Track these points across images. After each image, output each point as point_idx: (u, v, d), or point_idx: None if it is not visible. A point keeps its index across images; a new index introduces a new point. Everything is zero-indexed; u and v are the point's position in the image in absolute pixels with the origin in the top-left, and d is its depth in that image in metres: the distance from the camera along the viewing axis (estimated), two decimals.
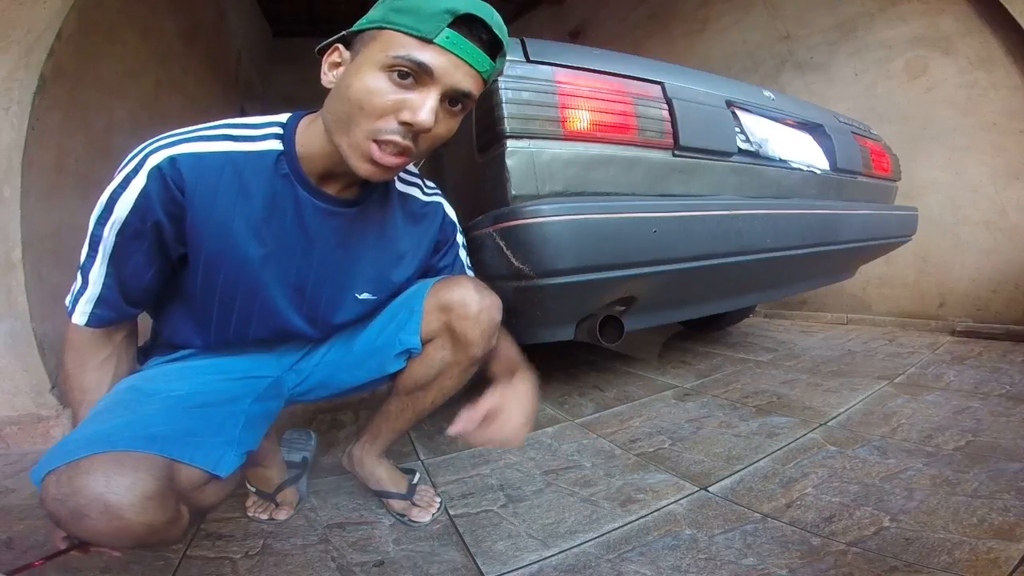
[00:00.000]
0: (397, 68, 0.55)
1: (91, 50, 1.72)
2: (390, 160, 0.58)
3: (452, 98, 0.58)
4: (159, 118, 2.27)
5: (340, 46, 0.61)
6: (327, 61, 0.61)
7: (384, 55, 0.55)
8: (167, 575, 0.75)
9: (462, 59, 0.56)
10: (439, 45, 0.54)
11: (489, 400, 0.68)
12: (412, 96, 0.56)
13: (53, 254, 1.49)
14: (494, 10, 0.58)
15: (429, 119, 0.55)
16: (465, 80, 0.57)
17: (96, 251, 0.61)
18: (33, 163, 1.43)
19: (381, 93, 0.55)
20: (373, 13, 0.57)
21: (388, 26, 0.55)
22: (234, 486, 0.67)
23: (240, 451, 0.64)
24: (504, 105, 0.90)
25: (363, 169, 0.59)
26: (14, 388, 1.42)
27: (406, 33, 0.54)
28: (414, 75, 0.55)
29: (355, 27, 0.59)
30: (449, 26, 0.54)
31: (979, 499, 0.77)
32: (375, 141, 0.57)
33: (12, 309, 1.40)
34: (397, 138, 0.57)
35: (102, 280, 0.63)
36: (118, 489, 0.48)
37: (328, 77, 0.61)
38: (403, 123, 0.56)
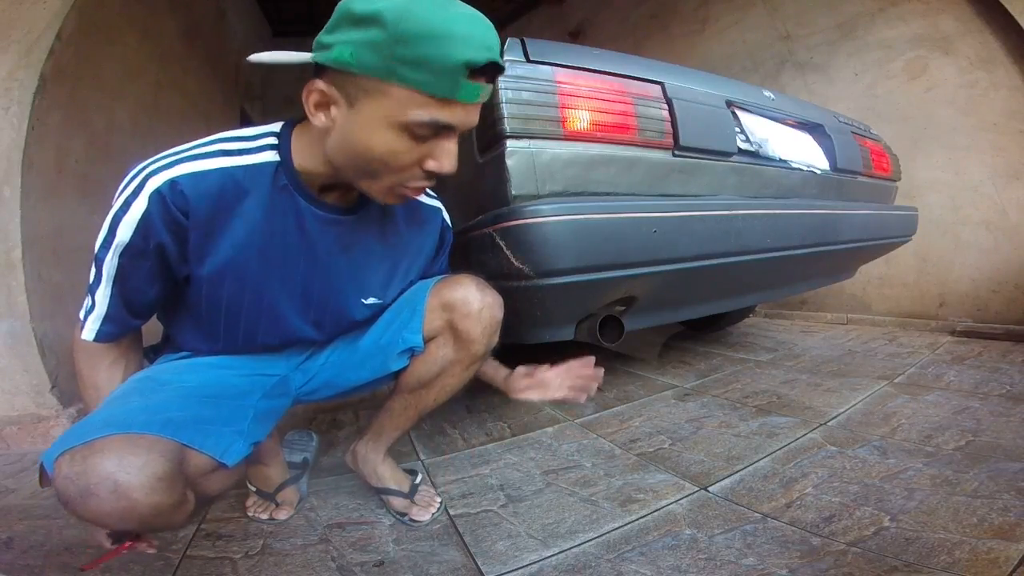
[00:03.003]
0: (420, 129, 0.55)
1: (91, 50, 1.72)
2: (414, 194, 0.63)
3: None
4: (159, 118, 2.27)
5: (322, 85, 0.55)
6: (309, 102, 0.56)
7: (404, 115, 0.53)
8: (167, 575, 0.75)
9: (477, 103, 0.57)
10: (460, 101, 0.54)
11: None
12: (433, 146, 0.57)
13: (53, 254, 1.49)
14: (496, 36, 0.55)
15: (454, 166, 0.58)
16: (476, 115, 0.58)
17: (101, 273, 0.62)
18: (33, 163, 1.43)
19: (407, 152, 0.57)
20: (366, 57, 0.50)
21: (399, 83, 0.51)
22: (238, 477, 0.68)
23: (248, 442, 0.64)
24: (504, 105, 0.90)
25: (391, 201, 0.64)
26: (14, 388, 1.42)
27: (423, 93, 0.52)
28: (434, 129, 0.56)
29: (337, 62, 0.52)
30: (466, 78, 0.52)
31: (979, 499, 0.77)
32: (404, 187, 0.61)
33: (12, 309, 1.40)
34: (423, 183, 0.61)
35: (107, 300, 0.64)
36: (130, 469, 0.49)
37: (320, 119, 0.57)
38: (428, 171, 0.59)
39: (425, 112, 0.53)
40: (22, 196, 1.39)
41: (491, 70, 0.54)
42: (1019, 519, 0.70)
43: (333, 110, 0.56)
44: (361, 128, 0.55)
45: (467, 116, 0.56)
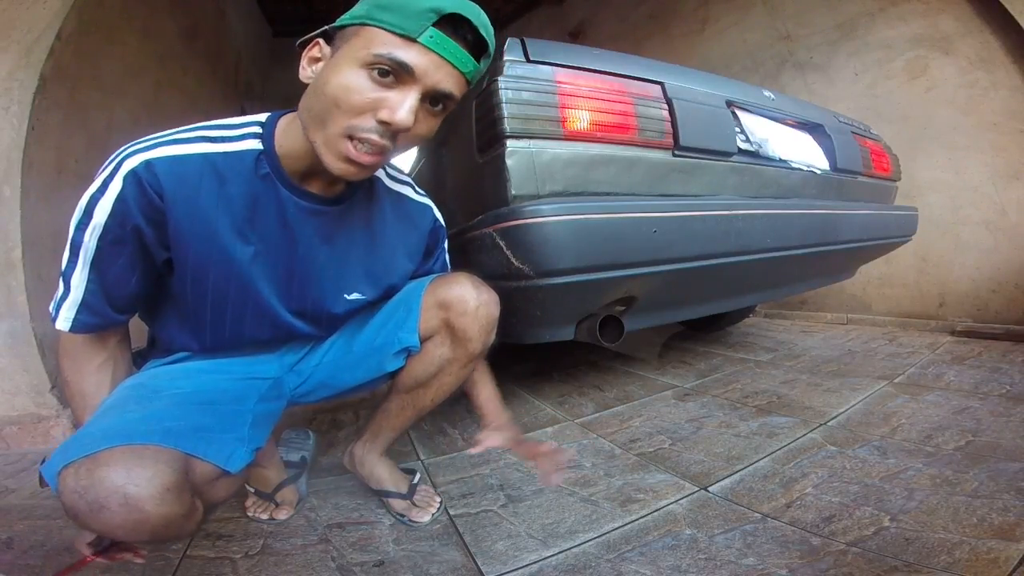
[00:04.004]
0: (378, 66, 0.54)
1: (91, 50, 1.72)
2: (366, 159, 0.57)
3: (433, 98, 0.57)
4: (159, 118, 2.27)
5: (320, 41, 0.59)
6: (306, 56, 0.60)
7: (365, 52, 0.54)
8: (167, 575, 0.75)
9: (445, 59, 0.55)
10: (422, 44, 0.53)
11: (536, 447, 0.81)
12: (391, 95, 0.54)
13: (53, 254, 1.49)
14: (481, 10, 0.57)
15: (408, 119, 0.54)
16: (447, 80, 0.56)
17: (77, 256, 0.60)
18: (33, 163, 1.43)
19: (360, 91, 0.54)
20: (356, 9, 0.56)
21: (371, 23, 0.54)
22: (242, 483, 0.68)
23: (250, 448, 0.64)
24: (504, 105, 0.90)
25: (338, 168, 0.58)
26: (14, 388, 1.42)
27: (389, 31, 0.53)
28: (394, 74, 0.54)
29: (337, 23, 0.58)
30: (434, 25, 0.53)
31: (979, 499, 0.77)
32: (351, 138, 0.56)
33: (12, 309, 1.40)
34: (374, 136, 0.55)
35: (84, 285, 0.62)
36: (139, 481, 0.48)
37: (307, 72, 0.59)
38: (381, 122, 0.55)
39: (384, 48, 0.53)
40: (22, 196, 1.39)
41: (463, 29, 0.55)
42: (1019, 519, 0.70)
43: (320, 65, 0.58)
44: (330, 69, 0.56)
45: (430, 66, 0.54)
